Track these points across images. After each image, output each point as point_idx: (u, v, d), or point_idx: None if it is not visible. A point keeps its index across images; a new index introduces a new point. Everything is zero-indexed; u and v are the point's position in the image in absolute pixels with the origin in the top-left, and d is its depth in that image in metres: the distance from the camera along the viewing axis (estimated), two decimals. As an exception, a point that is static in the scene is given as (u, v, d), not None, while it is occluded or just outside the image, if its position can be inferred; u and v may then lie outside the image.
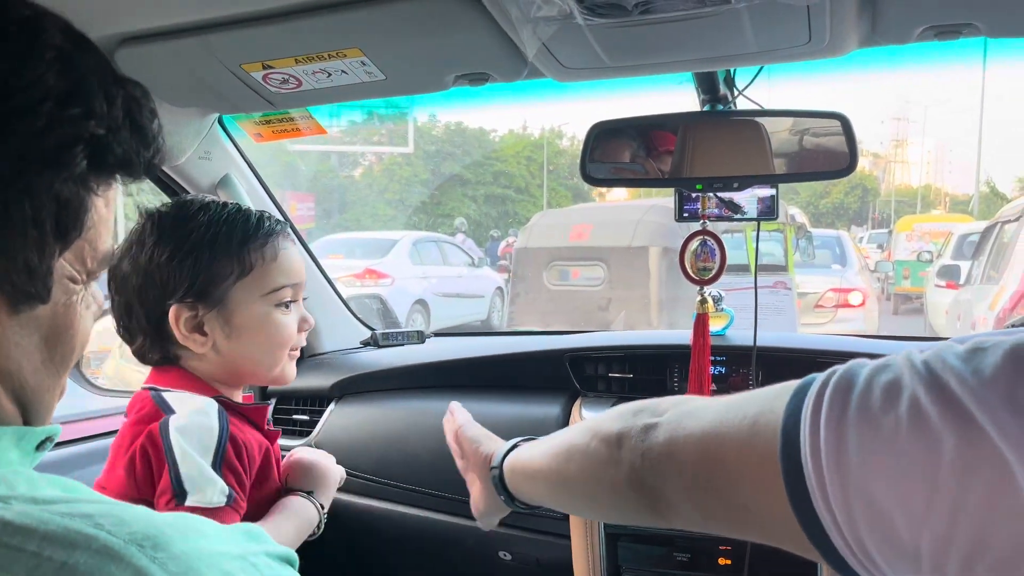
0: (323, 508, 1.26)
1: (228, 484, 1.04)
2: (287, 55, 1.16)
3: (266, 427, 1.20)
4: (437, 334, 2.17)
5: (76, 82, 0.53)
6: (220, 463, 1.04)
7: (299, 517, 1.22)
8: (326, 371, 1.90)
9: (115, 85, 0.56)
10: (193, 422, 1.04)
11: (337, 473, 1.34)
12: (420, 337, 2.06)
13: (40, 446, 0.56)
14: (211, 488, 1.02)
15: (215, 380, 1.14)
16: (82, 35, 0.56)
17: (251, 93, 1.27)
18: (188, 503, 1.00)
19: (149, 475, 1.02)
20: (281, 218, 1.19)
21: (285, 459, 1.30)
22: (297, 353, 1.21)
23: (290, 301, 1.15)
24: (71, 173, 0.52)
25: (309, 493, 1.26)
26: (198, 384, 1.12)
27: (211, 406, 1.07)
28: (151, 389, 1.09)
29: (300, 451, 1.34)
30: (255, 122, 1.50)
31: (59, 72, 0.52)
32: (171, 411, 1.05)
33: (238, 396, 1.19)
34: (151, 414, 1.06)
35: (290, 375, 1.20)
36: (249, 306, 1.10)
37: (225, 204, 1.14)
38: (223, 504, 1.03)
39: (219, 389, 1.14)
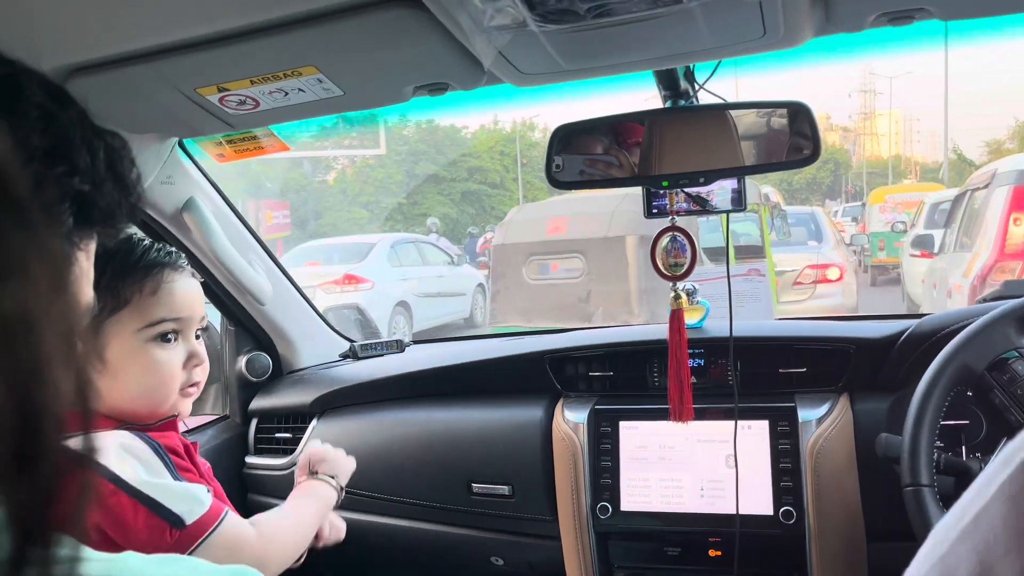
0: (343, 489, 1.34)
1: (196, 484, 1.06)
2: (242, 76, 1.14)
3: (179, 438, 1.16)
4: (416, 341, 2.16)
5: (59, 139, 0.52)
6: (176, 473, 1.05)
7: (319, 498, 1.29)
8: (306, 387, 1.89)
9: (95, 137, 0.56)
10: (128, 456, 1.01)
11: (351, 463, 1.39)
12: (399, 346, 2.05)
13: None
14: (195, 497, 1.03)
15: (111, 415, 1.08)
16: (59, 87, 0.55)
17: (209, 116, 1.25)
18: (190, 522, 1.01)
19: (107, 534, 0.99)
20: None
21: (304, 451, 1.39)
22: (194, 390, 1.15)
23: (171, 335, 1.09)
24: (58, 231, 0.52)
25: (332, 477, 1.32)
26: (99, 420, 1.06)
27: (127, 436, 1.04)
28: None
29: (315, 444, 1.39)
30: (216, 143, 1.48)
31: (43, 130, 0.51)
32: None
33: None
34: None
35: (182, 412, 1.15)
36: (122, 341, 1.05)
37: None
38: (211, 501, 1.04)
39: (120, 420, 1.08)
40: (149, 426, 1.10)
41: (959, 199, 6.51)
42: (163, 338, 1.08)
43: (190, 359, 1.12)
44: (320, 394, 1.84)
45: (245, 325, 1.88)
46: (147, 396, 1.09)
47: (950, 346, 1.24)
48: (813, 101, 1.25)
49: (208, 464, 1.22)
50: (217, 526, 1.04)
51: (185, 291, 1.12)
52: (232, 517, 1.08)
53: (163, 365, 1.08)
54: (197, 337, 1.16)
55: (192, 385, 1.14)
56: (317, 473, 1.33)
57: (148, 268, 1.08)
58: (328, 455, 1.36)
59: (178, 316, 1.10)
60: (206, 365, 1.16)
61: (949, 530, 0.43)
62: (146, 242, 1.11)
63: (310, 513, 1.26)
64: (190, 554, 1.02)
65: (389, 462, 1.71)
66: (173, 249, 1.14)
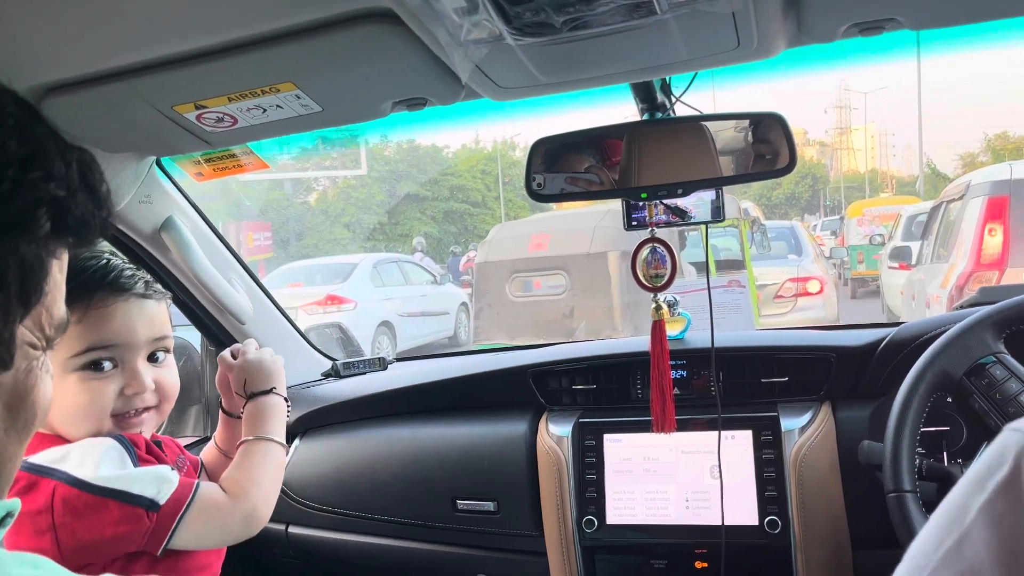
0: (288, 400, 1.26)
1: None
2: (219, 94, 1.14)
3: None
4: (399, 359, 2.15)
5: (35, 147, 0.54)
6: (137, 463, 1.03)
7: (274, 416, 1.21)
8: (288, 407, 1.87)
9: (68, 150, 0.57)
10: (93, 454, 1.00)
11: (279, 362, 1.30)
12: (382, 364, 2.04)
13: (0, 522, 0.55)
14: (161, 477, 1.01)
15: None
16: (30, 105, 0.57)
17: (186, 134, 1.25)
18: (163, 502, 1.00)
19: (78, 537, 0.97)
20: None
21: (229, 366, 1.29)
22: (140, 418, 1.08)
23: (105, 362, 1.03)
24: (35, 235, 0.53)
25: (271, 391, 1.23)
26: (56, 439, 1.04)
27: (94, 438, 1.02)
28: None
29: (239, 356, 1.28)
30: (194, 162, 1.47)
31: (19, 138, 0.53)
32: (48, 471, 0.98)
33: None
34: (27, 484, 0.98)
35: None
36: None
37: None
38: (178, 478, 1.03)
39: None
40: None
41: (935, 211, 6.61)
42: (94, 366, 1.03)
43: (128, 386, 1.06)
44: (302, 413, 1.82)
45: (226, 345, 1.86)
46: (75, 425, 1.04)
47: (928, 352, 1.25)
48: (789, 116, 1.26)
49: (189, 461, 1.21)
50: (192, 499, 1.03)
51: (122, 316, 1.05)
52: (205, 486, 1.06)
53: (89, 396, 1.03)
54: (154, 359, 1.10)
55: (136, 413, 1.07)
56: (255, 394, 1.22)
57: (76, 293, 1.01)
58: (261, 367, 1.24)
59: (110, 343, 1.04)
60: (170, 390, 1.12)
61: (929, 555, 0.41)
62: (88, 262, 1.05)
63: (276, 436, 1.19)
64: (173, 532, 1.01)
65: (373, 480, 1.70)
66: (117, 266, 1.08)
